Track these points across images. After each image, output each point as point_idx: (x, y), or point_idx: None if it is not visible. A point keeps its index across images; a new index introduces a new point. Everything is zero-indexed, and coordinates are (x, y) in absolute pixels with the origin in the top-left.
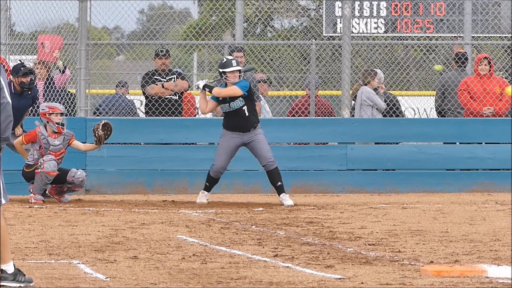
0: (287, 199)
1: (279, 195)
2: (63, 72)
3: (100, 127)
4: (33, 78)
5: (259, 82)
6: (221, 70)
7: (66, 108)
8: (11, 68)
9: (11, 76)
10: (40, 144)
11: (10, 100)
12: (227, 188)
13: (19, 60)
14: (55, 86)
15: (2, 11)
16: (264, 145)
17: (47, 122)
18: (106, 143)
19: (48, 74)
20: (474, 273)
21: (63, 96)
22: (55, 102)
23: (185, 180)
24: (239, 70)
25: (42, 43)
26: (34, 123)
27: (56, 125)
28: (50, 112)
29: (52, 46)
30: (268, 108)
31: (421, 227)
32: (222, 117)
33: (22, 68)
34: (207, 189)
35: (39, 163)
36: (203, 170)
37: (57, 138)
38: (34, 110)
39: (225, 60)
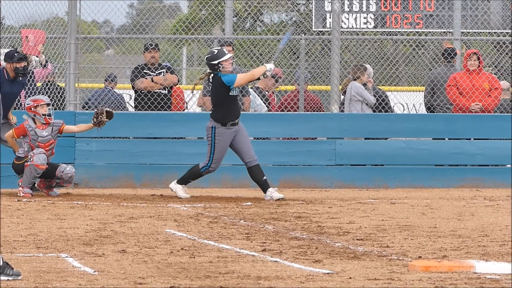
0: (276, 192)
1: (265, 191)
2: (45, 66)
3: (105, 114)
4: (26, 63)
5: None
6: (216, 61)
7: (55, 102)
8: (4, 54)
9: (5, 63)
10: (29, 137)
11: None
12: (215, 182)
13: (12, 47)
14: (33, 80)
15: None
16: (248, 141)
17: (34, 115)
18: (95, 137)
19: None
20: (462, 269)
21: (52, 90)
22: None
23: (174, 175)
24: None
25: (26, 36)
26: (22, 117)
27: (43, 116)
28: (35, 105)
29: (36, 40)
30: (260, 101)
31: (410, 223)
32: (212, 115)
33: (16, 54)
34: (187, 183)
35: (29, 156)
36: (192, 165)
37: (45, 130)
38: (19, 103)
39: (216, 51)
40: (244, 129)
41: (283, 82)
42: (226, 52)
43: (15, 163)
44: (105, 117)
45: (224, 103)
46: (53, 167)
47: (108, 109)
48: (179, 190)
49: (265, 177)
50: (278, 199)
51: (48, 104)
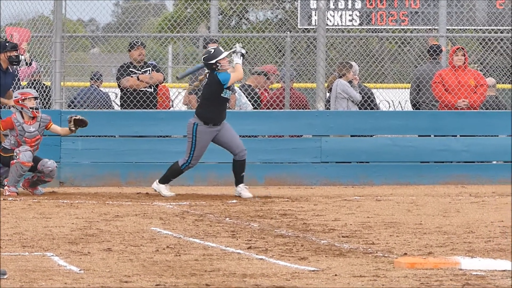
0: (246, 191)
1: (237, 185)
2: (30, 64)
3: (73, 122)
4: (18, 51)
5: (254, 74)
6: (214, 60)
7: (40, 100)
8: None
9: None
10: (16, 131)
11: None
12: (201, 180)
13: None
14: (18, 78)
15: None
16: (235, 133)
17: (22, 108)
18: (81, 136)
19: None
20: (448, 265)
21: (38, 88)
22: None
23: (159, 173)
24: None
25: (11, 34)
26: (10, 111)
27: (31, 109)
28: (23, 98)
29: (21, 38)
30: (245, 100)
31: (395, 219)
32: (197, 111)
33: (7, 43)
34: (168, 181)
35: (15, 154)
36: None
37: (32, 125)
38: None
39: (213, 50)
40: (227, 123)
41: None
42: (223, 51)
43: (1, 155)
44: (72, 126)
45: (214, 102)
46: (36, 160)
47: (77, 117)
48: (163, 189)
49: (243, 174)
50: (246, 198)
51: (35, 98)
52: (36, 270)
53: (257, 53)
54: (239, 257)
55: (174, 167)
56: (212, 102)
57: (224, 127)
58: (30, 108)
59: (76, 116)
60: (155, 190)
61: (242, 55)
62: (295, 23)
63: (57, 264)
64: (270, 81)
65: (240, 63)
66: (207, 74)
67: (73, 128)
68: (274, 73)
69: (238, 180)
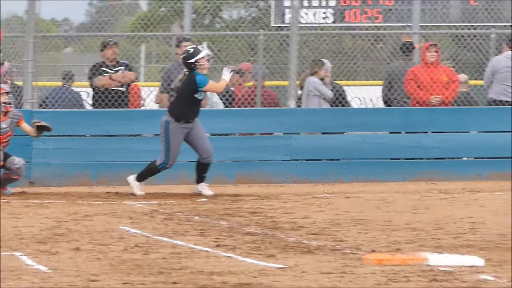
0: (208, 189)
1: (198, 183)
2: (2, 64)
3: (35, 128)
4: None
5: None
6: (193, 59)
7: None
8: None
9: None
10: None
11: None
12: (171, 179)
13: None
14: None
15: None
16: (205, 136)
17: None
18: (52, 135)
19: None
20: (416, 261)
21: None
22: None
23: (130, 171)
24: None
25: None
26: None
27: (4, 104)
28: None
29: None
30: (217, 98)
31: (364, 216)
32: (169, 109)
33: None
34: (144, 179)
35: None
36: (148, 162)
37: (4, 121)
38: None
39: (191, 50)
40: (200, 124)
41: (240, 77)
42: (201, 50)
43: None
44: (34, 132)
45: (186, 101)
46: (4, 158)
47: (41, 123)
48: (136, 187)
49: (205, 175)
50: (207, 196)
51: (8, 93)
52: (4, 269)
53: (229, 51)
54: (207, 255)
55: (151, 166)
56: (184, 100)
57: (196, 127)
58: (3, 103)
59: (39, 122)
60: (130, 184)
61: (209, 54)
62: (268, 21)
63: (25, 263)
64: (243, 79)
65: (227, 80)
66: (186, 73)
67: (34, 134)
68: (247, 71)
69: (200, 179)
